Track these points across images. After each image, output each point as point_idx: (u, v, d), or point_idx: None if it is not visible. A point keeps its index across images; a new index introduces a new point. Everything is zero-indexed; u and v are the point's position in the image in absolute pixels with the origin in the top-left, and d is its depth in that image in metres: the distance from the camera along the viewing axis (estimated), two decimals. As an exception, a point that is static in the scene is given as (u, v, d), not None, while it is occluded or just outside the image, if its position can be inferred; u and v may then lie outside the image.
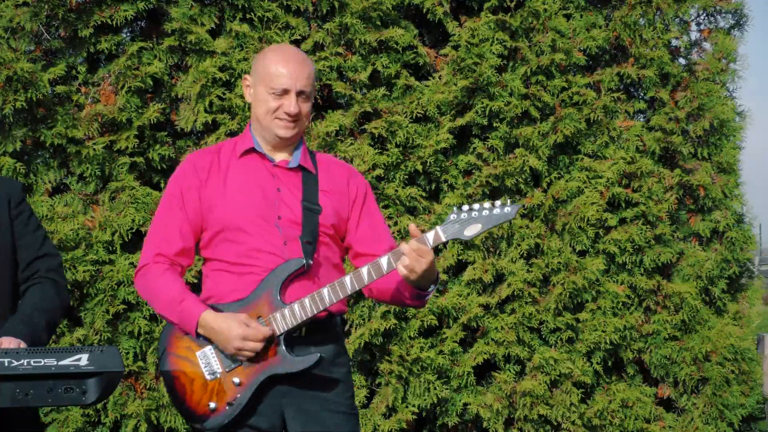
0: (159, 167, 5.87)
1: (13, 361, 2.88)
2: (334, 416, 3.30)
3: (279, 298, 3.22)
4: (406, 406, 5.96)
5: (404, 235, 5.84)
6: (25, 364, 2.88)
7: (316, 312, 3.21)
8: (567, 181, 6.28)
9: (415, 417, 5.99)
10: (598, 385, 6.35)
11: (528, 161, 6.15)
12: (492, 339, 6.10)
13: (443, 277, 6.08)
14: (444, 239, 3.16)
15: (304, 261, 3.24)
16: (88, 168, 5.74)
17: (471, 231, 3.17)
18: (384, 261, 3.19)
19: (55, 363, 2.90)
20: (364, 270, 3.20)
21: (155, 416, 5.70)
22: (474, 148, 6.21)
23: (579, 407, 6.19)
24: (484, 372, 6.23)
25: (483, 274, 6.08)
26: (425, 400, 5.96)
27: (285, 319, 3.21)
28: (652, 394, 6.43)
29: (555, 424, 6.22)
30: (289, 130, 3.32)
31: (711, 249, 6.59)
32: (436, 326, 6.06)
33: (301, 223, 3.29)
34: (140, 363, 5.72)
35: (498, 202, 3.17)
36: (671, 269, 6.54)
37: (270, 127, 3.32)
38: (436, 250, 6.21)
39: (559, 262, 6.16)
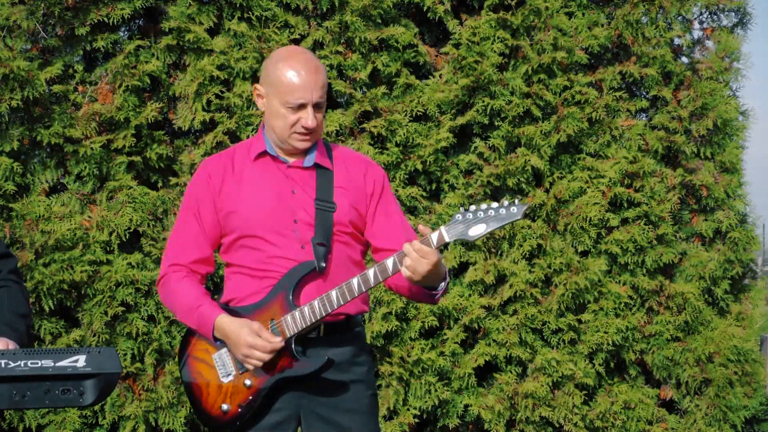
0: (157, 166, 5.87)
1: (9, 362, 2.87)
2: (353, 417, 3.32)
3: (292, 300, 3.23)
4: (407, 408, 5.95)
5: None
6: (22, 365, 2.87)
7: (325, 314, 3.22)
8: (569, 180, 6.27)
9: (416, 419, 5.98)
10: (600, 386, 6.34)
11: (530, 161, 6.15)
12: (493, 340, 6.10)
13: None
14: (448, 240, 3.15)
15: (316, 264, 3.24)
16: (85, 167, 5.74)
17: (475, 231, 3.15)
18: (389, 262, 3.20)
19: (53, 364, 2.89)
20: (371, 272, 3.21)
21: (153, 418, 5.69)
22: (475, 148, 6.20)
23: (581, 409, 6.19)
24: (485, 373, 6.22)
25: (484, 275, 6.08)
26: (426, 402, 5.96)
27: (296, 321, 3.22)
28: (655, 395, 6.43)
29: (557, 426, 6.22)
30: (306, 142, 3.32)
31: (714, 249, 6.59)
32: (437, 327, 6.06)
33: (314, 224, 3.29)
34: (138, 364, 5.71)
35: (505, 202, 3.16)
36: (674, 270, 6.54)
37: (288, 141, 3.31)
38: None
39: (561, 263, 6.16)
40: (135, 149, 5.81)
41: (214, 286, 5.56)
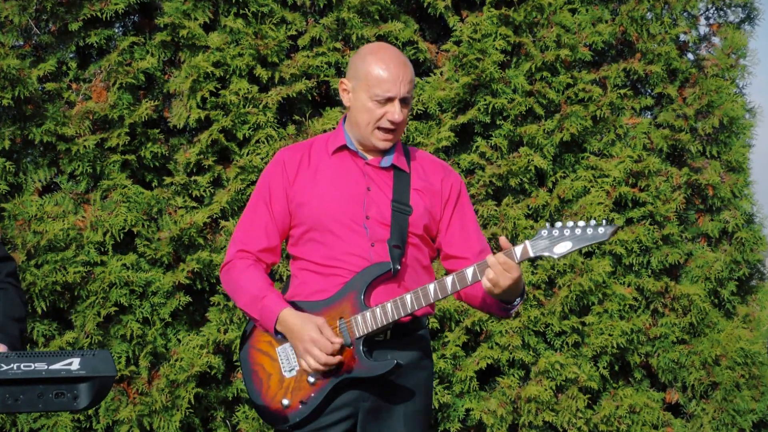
0: (151, 165, 5.86)
1: (2, 365, 2.86)
2: (408, 423, 3.33)
3: (363, 300, 3.24)
4: (407, 412, 5.94)
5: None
6: (15, 368, 2.86)
7: (397, 318, 3.23)
8: (573, 180, 6.26)
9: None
10: (604, 390, 6.33)
11: (533, 160, 6.14)
12: (496, 343, 6.09)
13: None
14: (532, 255, 3.16)
15: (391, 266, 3.26)
16: (78, 166, 5.72)
17: (561, 249, 3.16)
18: (469, 272, 3.20)
19: (46, 367, 2.88)
20: (449, 279, 3.22)
21: (148, 422, 5.68)
22: (477, 147, 6.19)
23: (585, 413, 6.18)
24: (487, 377, 6.21)
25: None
26: (426, 405, 5.94)
27: (366, 322, 3.23)
28: (660, 399, 6.42)
29: (561, 430, 6.21)
30: (388, 142, 3.33)
31: (720, 250, 6.59)
32: (438, 330, 6.05)
33: (390, 225, 3.30)
34: (133, 367, 5.70)
35: (593, 222, 3.16)
36: (679, 271, 6.53)
37: (370, 138, 3.33)
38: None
39: (565, 264, 6.15)
40: (129, 148, 5.79)
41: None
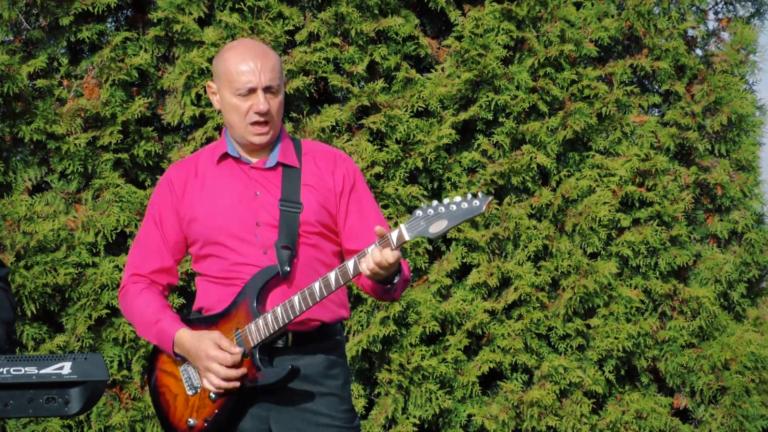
0: (145, 164, 5.86)
1: (-9, 369, 2.87)
2: (325, 430, 3.27)
3: (256, 307, 3.20)
4: (407, 418, 5.95)
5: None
6: (5, 372, 2.87)
7: (288, 321, 3.17)
8: (577, 179, 6.27)
9: (416, 429, 5.98)
10: (610, 394, 6.34)
11: (536, 158, 6.14)
12: (498, 346, 6.09)
13: (446, 281, 6.07)
14: (408, 238, 3.09)
15: (279, 269, 3.21)
16: (69, 165, 5.73)
17: (436, 228, 3.08)
18: (350, 264, 3.15)
19: (36, 371, 2.89)
20: (332, 275, 3.17)
21: (140, 427, 5.68)
22: (478, 145, 6.20)
23: (590, 418, 6.18)
24: (489, 381, 6.22)
25: (488, 278, 6.07)
26: (427, 411, 5.95)
27: (259, 330, 3.18)
28: (668, 404, 6.42)
29: (565, 436, 6.22)
30: (264, 136, 3.28)
31: (729, 251, 6.59)
32: (438, 333, 6.05)
33: (278, 227, 3.26)
34: (125, 372, 5.71)
35: (468, 195, 3.10)
36: (688, 272, 6.53)
37: (245, 136, 3.29)
38: (438, 252, 6.20)
39: (569, 265, 6.16)
40: (122, 146, 5.80)
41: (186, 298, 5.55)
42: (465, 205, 3.08)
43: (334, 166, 3.37)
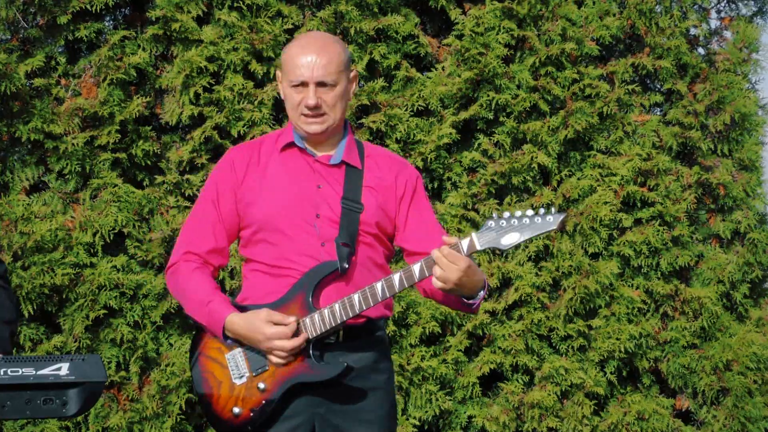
0: (143, 164, 5.87)
1: (-12, 370, 2.87)
2: (369, 427, 3.32)
3: (311, 301, 3.24)
4: (407, 419, 5.96)
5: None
6: (1, 373, 2.86)
7: (346, 318, 3.22)
8: (578, 179, 6.28)
9: (416, 430, 5.99)
10: (611, 396, 6.35)
11: (536, 158, 6.15)
12: (498, 347, 6.10)
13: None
14: (479, 248, 3.15)
15: (338, 265, 3.25)
16: (67, 165, 5.74)
17: (508, 240, 3.15)
18: (416, 268, 3.20)
19: (34, 372, 2.88)
20: (396, 277, 3.21)
21: (139, 429, 5.69)
22: (479, 144, 6.21)
23: (591, 420, 6.19)
24: (490, 382, 6.23)
25: (488, 278, 6.08)
26: (427, 412, 5.96)
27: (315, 324, 3.23)
28: (670, 405, 6.43)
29: (566, 438, 6.23)
30: (315, 125, 3.32)
31: (732, 251, 6.60)
32: (438, 334, 6.06)
33: (339, 223, 3.30)
34: (123, 373, 5.71)
35: (541, 210, 3.16)
36: (690, 273, 6.54)
37: (298, 124, 3.35)
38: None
39: (570, 266, 6.16)
40: (120, 146, 5.81)
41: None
42: (538, 219, 3.15)
43: (397, 171, 3.44)
